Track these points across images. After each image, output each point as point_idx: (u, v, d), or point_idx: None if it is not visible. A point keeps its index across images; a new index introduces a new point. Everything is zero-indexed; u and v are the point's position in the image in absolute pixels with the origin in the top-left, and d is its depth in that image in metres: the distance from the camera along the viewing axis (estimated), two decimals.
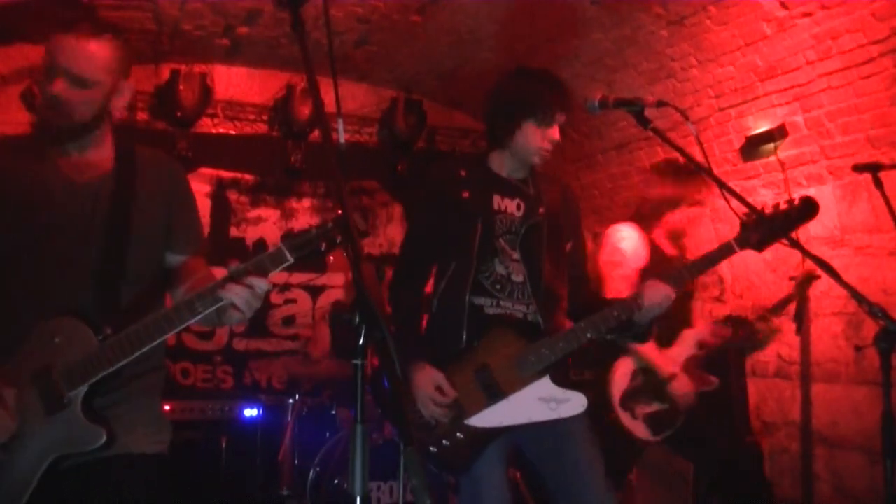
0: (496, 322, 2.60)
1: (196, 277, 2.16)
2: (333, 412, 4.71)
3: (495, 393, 2.54)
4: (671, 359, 3.54)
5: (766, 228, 2.51)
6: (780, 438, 4.53)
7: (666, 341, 3.56)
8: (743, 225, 2.56)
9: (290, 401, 4.76)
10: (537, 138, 2.63)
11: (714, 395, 3.65)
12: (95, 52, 2.03)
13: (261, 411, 5.01)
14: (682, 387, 3.48)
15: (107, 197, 2.09)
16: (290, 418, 4.70)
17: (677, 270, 2.67)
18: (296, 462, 4.56)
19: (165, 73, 5.49)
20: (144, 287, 2.12)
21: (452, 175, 2.72)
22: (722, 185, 2.59)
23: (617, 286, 3.41)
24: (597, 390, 3.45)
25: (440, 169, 2.81)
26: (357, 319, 1.49)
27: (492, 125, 2.74)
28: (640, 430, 3.51)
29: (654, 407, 3.52)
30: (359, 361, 1.51)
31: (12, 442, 1.88)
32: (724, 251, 2.60)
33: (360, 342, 1.49)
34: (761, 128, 4.42)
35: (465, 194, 2.66)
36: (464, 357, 2.59)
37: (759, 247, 2.54)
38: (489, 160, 2.76)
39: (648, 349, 3.47)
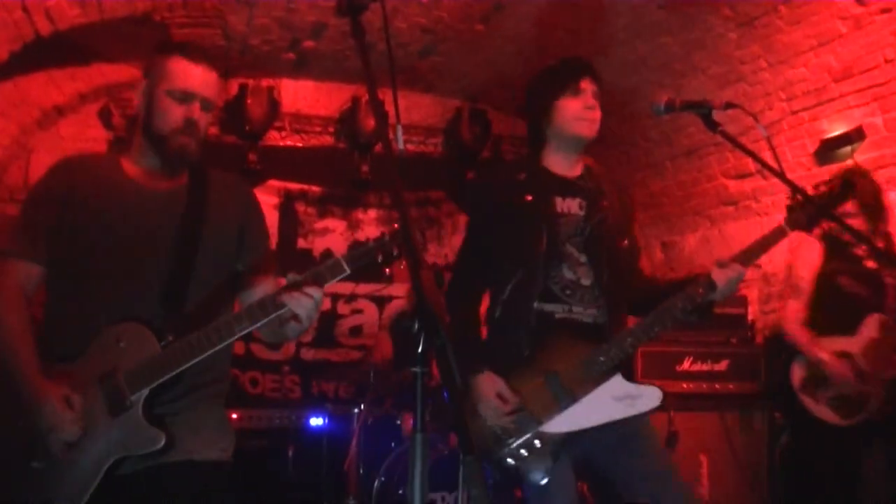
0: (558, 328, 2.54)
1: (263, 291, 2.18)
2: (398, 421, 4.71)
3: (567, 397, 2.48)
4: (846, 343, 3.61)
5: (812, 209, 2.53)
6: None
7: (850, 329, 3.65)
8: (789, 208, 2.58)
9: (356, 410, 4.79)
10: (574, 107, 2.60)
11: None
12: (216, 79, 2.15)
13: (327, 420, 5.05)
14: (834, 370, 3.57)
15: (179, 208, 2.14)
16: (355, 427, 4.72)
17: (739, 254, 2.61)
18: (361, 471, 4.57)
19: (234, 87, 5.61)
20: (211, 297, 2.15)
21: (512, 180, 2.69)
22: (797, 190, 2.52)
23: (787, 292, 3.87)
24: (783, 382, 3.75)
25: (497, 175, 2.79)
26: (416, 326, 1.48)
27: (534, 122, 2.72)
28: (825, 413, 3.60)
29: (836, 391, 3.60)
30: (419, 369, 1.50)
31: (78, 442, 1.94)
32: (777, 235, 2.57)
33: (420, 349, 1.48)
34: (837, 130, 4.27)
35: (529, 198, 2.61)
36: (529, 366, 2.53)
37: (809, 227, 2.59)
38: (543, 160, 2.71)
39: (800, 335, 3.69)
